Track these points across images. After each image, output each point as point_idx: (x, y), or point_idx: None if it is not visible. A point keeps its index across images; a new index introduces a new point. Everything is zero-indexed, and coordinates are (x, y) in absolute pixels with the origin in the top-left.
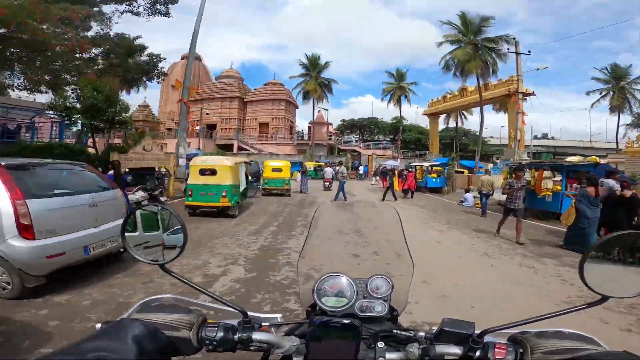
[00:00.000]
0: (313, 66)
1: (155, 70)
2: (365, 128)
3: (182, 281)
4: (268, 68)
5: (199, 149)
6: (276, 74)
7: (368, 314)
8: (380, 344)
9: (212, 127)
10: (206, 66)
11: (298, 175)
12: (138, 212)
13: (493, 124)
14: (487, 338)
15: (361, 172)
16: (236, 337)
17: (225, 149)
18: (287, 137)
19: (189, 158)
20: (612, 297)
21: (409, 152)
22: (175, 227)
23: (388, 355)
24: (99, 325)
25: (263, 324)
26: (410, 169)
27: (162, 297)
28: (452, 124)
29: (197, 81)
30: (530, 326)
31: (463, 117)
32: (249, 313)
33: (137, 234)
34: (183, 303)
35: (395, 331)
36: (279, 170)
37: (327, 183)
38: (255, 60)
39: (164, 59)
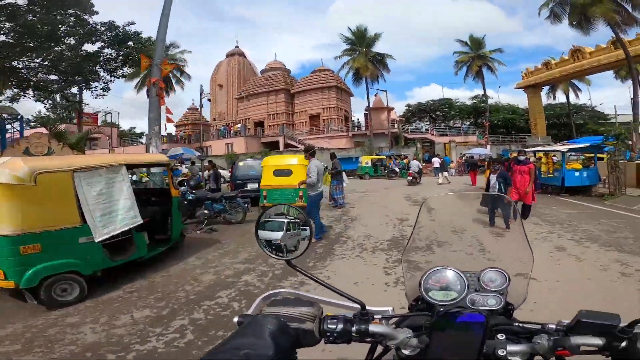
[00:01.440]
0: (360, 40)
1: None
2: (438, 112)
3: (308, 276)
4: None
5: (202, 150)
6: (323, 61)
7: (480, 308)
8: (500, 336)
9: (260, 125)
10: (252, 62)
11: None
12: (267, 211)
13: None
14: (636, 329)
15: (436, 165)
16: (354, 328)
17: (271, 146)
18: (341, 128)
19: (170, 159)
20: None
21: (499, 137)
22: (302, 225)
23: (510, 348)
24: (236, 319)
25: (375, 316)
26: (520, 158)
27: (281, 291)
28: (558, 99)
29: (242, 78)
30: None
31: (576, 88)
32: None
33: (266, 231)
34: (304, 297)
35: (517, 324)
36: (286, 173)
37: (410, 177)
38: (314, 60)
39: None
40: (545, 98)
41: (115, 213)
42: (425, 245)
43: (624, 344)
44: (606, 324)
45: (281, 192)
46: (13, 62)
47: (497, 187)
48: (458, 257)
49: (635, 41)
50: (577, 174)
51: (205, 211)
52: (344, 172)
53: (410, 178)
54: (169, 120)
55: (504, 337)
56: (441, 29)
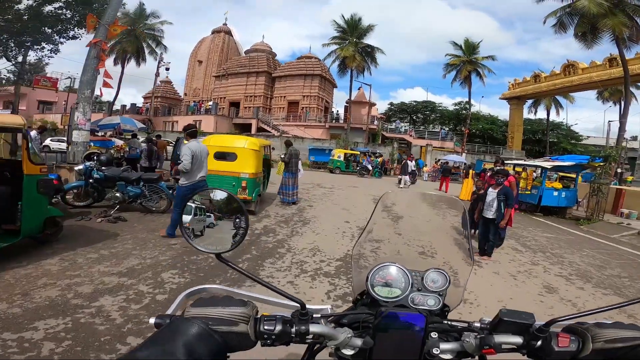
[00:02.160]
0: (352, 29)
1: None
2: (419, 114)
3: (241, 272)
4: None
5: (150, 122)
6: (312, 49)
7: (420, 307)
8: (433, 335)
9: (236, 105)
10: (237, 42)
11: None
12: (194, 198)
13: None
14: (552, 328)
15: (412, 168)
16: (293, 329)
17: (243, 129)
18: (319, 118)
19: (102, 129)
20: None
21: (475, 146)
22: (235, 214)
23: (443, 346)
24: (152, 320)
25: (314, 315)
26: (498, 172)
27: (209, 287)
28: (538, 115)
29: (225, 56)
30: (588, 318)
31: (558, 105)
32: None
33: (191, 219)
34: (234, 294)
35: (447, 322)
36: (230, 157)
37: (407, 178)
38: (305, 48)
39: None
40: (526, 112)
41: None
42: (377, 241)
43: (539, 342)
44: (523, 323)
45: (220, 179)
46: None
47: (496, 206)
48: (406, 255)
49: (634, 60)
50: (555, 193)
51: (117, 194)
52: (300, 163)
53: (405, 180)
54: (105, 84)
55: (436, 335)
56: (434, 35)
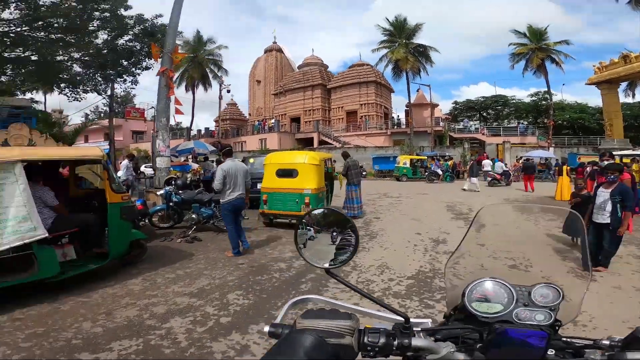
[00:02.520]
0: (399, 31)
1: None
2: (489, 110)
3: (348, 286)
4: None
5: (220, 144)
6: (362, 56)
7: (527, 322)
8: (550, 352)
9: (296, 120)
10: (289, 58)
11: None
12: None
13: None
14: None
15: (488, 168)
16: (395, 342)
17: (306, 143)
18: (380, 126)
19: (180, 154)
20: None
21: (564, 138)
22: (346, 230)
23: None
24: (267, 329)
25: (414, 328)
26: (608, 167)
27: (312, 297)
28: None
29: (279, 73)
30: None
31: None
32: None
33: (306, 236)
34: (337, 306)
35: (565, 339)
36: (290, 173)
37: (490, 179)
38: (354, 57)
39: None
40: (622, 96)
41: (3, 224)
42: (473, 255)
43: None
44: None
45: (283, 197)
46: (56, 57)
47: (610, 208)
48: (508, 269)
49: None
50: None
51: (194, 215)
52: (361, 175)
53: (490, 179)
54: (177, 111)
55: (553, 352)
56: (491, 27)
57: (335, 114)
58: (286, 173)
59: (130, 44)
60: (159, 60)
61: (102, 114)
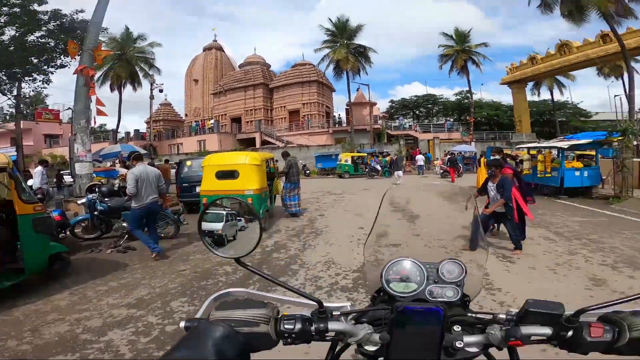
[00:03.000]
0: (341, 31)
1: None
2: (421, 109)
3: (258, 274)
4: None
5: (152, 148)
6: (305, 56)
7: (438, 299)
8: (456, 328)
9: (237, 121)
10: (230, 57)
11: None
12: (211, 206)
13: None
14: (582, 318)
15: (421, 162)
16: (313, 327)
17: (248, 144)
18: (322, 124)
19: (104, 159)
20: None
21: (482, 134)
22: (249, 219)
23: (466, 339)
24: (182, 324)
25: (334, 312)
26: (490, 163)
27: (234, 290)
28: (541, 96)
29: (219, 73)
30: (624, 306)
31: (560, 85)
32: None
33: (224, 226)
34: (256, 297)
35: (470, 315)
36: (231, 175)
37: (442, 171)
38: (297, 57)
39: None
40: (529, 94)
41: None
42: (387, 237)
43: (570, 333)
44: (552, 313)
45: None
46: None
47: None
48: (419, 248)
49: (628, 34)
50: (577, 173)
51: (124, 224)
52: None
53: (441, 172)
54: (100, 112)
55: (459, 328)
56: (422, 29)
57: (277, 113)
58: (226, 174)
59: (43, 40)
60: (77, 58)
61: (7, 117)
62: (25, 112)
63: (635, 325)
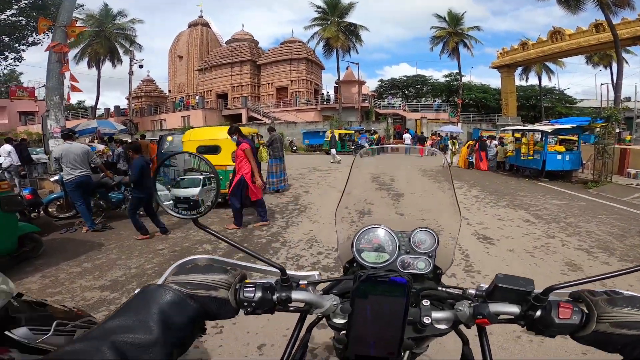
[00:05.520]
0: (332, 9)
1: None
2: (410, 89)
3: (217, 237)
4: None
5: (131, 123)
6: (294, 33)
7: (410, 271)
8: (425, 302)
9: (223, 97)
10: (217, 33)
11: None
12: (167, 162)
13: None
14: (550, 297)
15: (408, 141)
16: (275, 297)
17: (234, 119)
18: (310, 102)
19: (81, 135)
20: None
21: (470, 115)
22: (205, 176)
23: (435, 315)
24: (136, 291)
25: (300, 282)
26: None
27: (196, 257)
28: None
29: (205, 49)
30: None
31: (549, 71)
32: (287, 271)
33: (186, 193)
34: (218, 263)
35: (440, 289)
36: (212, 149)
37: (333, 151)
38: (287, 35)
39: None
40: (517, 79)
41: None
42: (358, 203)
43: (538, 313)
44: (520, 290)
45: None
46: None
47: None
48: (392, 215)
49: (621, 25)
50: (559, 157)
51: (101, 202)
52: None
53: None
54: (74, 89)
55: (428, 303)
56: (412, 11)
57: (265, 90)
58: (208, 149)
59: (14, 18)
60: (49, 35)
61: None
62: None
63: (605, 316)
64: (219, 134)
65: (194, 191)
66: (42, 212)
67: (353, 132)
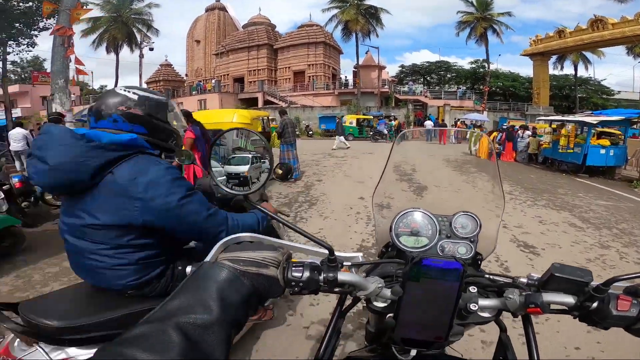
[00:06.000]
0: None
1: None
2: (433, 75)
3: (266, 213)
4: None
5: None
6: (312, 17)
7: (450, 256)
8: (472, 289)
9: (240, 81)
10: (234, 17)
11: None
12: (217, 141)
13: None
14: (611, 289)
15: (429, 127)
16: (321, 277)
17: (250, 103)
18: (327, 86)
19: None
20: None
21: (496, 104)
22: (262, 156)
23: (482, 302)
24: (189, 269)
25: (344, 263)
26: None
27: (244, 235)
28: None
29: (222, 33)
30: None
31: (586, 60)
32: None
33: (236, 170)
34: (266, 241)
35: (487, 276)
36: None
37: (342, 138)
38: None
39: None
40: (551, 68)
41: None
42: (397, 187)
43: (595, 304)
44: (578, 281)
45: None
46: None
47: None
48: (431, 198)
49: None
50: (602, 151)
51: None
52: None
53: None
54: (79, 72)
55: (475, 290)
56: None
57: (282, 74)
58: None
59: (25, 4)
60: (48, 17)
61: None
62: (23, 76)
63: None
64: (225, 117)
65: (244, 168)
66: (39, 201)
67: (372, 117)
